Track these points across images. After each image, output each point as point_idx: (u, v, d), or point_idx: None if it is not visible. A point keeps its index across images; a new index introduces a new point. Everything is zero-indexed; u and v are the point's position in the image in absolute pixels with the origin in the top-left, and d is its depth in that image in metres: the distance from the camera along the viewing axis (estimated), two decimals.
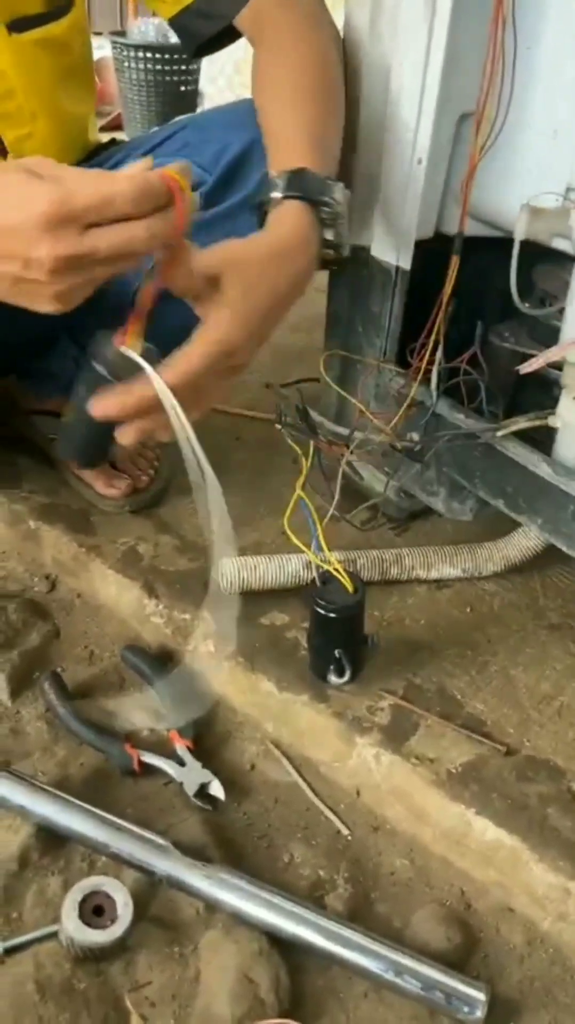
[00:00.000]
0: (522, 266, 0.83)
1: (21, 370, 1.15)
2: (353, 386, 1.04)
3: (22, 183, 0.57)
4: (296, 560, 0.98)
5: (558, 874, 0.73)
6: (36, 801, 0.78)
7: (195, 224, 0.96)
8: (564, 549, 0.87)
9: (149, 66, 2.89)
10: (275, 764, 0.89)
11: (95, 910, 0.71)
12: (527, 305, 0.86)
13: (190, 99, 2.94)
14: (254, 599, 0.98)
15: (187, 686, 0.89)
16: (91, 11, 0.98)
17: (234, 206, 0.94)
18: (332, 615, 0.84)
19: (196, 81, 2.95)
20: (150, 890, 0.75)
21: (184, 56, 2.74)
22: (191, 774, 0.84)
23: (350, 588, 0.84)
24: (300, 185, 0.76)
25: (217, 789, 0.83)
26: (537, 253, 0.86)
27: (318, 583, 0.85)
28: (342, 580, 0.84)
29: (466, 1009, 0.68)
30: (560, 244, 0.84)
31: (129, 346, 0.66)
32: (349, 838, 0.82)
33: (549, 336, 0.89)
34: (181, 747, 0.86)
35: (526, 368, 0.85)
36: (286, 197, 0.75)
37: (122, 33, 3.00)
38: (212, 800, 0.83)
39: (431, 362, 0.93)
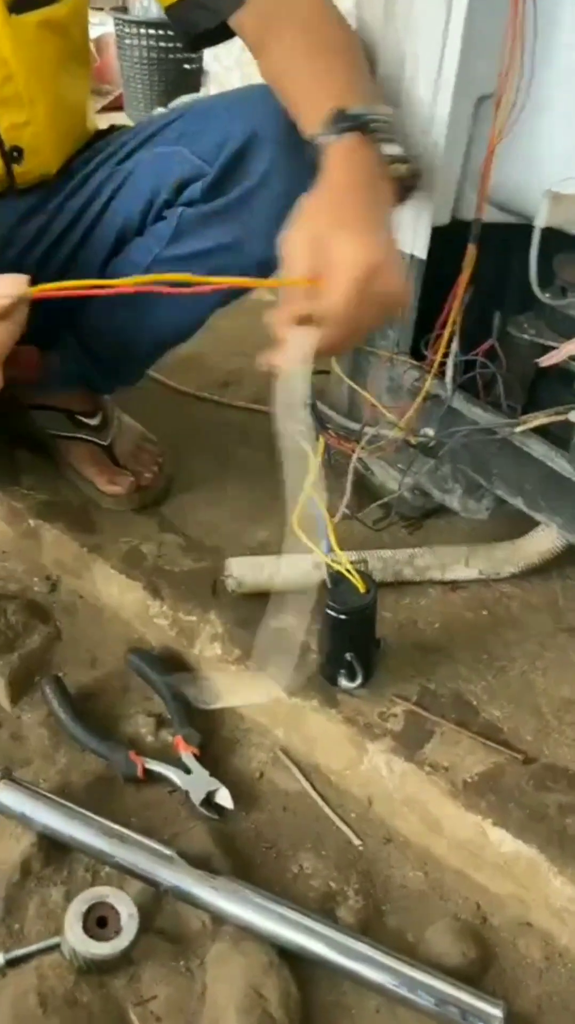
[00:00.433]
0: (543, 254, 0.83)
1: None
2: (365, 379, 1.05)
3: None
4: (306, 560, 0.99)
5: None
6: (38, 809, 0.79)
7: (198, 217, 0.97)
8: None
9: (152, 43, 2.90)
10: (284, 772, 0.89)
11: (99, 921, 0.72)
12: (547, 295, 0.87)
13: (194, 78, 2.94)
14: (262, 601, 0.98)
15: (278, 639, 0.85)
16: None
17: (237, 198, 0.94)
18: (343, 617, 0.85)
19: (200, 59, 2.95)
20: (155, 901, 0.76)
21: None
22: (197, 782, 0.85)
23: (362, 589, 0.85)
24: (338, 120, 0.77)
25: (224, 798, 0.84)
26: (558, 241, 0.87)
27: (328, 584, 0.86)
28: (353, 581, 0.85)
29: None
30: None
31: None
32: (360, 849, 0.83)
33: (570, 327, 0.89)
34: (187, 754, 0.87)
35: (546, 361, 0.85)
36: (329, 134, 0.77)
37: (124, 9, 3.00)
38: (219, 809, 0.84)
39: (446, 354, 0.94)
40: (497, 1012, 0.69)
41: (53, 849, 0.79)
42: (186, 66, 2.95)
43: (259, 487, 1.17)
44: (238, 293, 1.03)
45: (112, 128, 1.11)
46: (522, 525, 1.01)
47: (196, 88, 2.87)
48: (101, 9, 3.21)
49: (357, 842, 0.84)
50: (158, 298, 0.97)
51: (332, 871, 0.80)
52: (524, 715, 0.89)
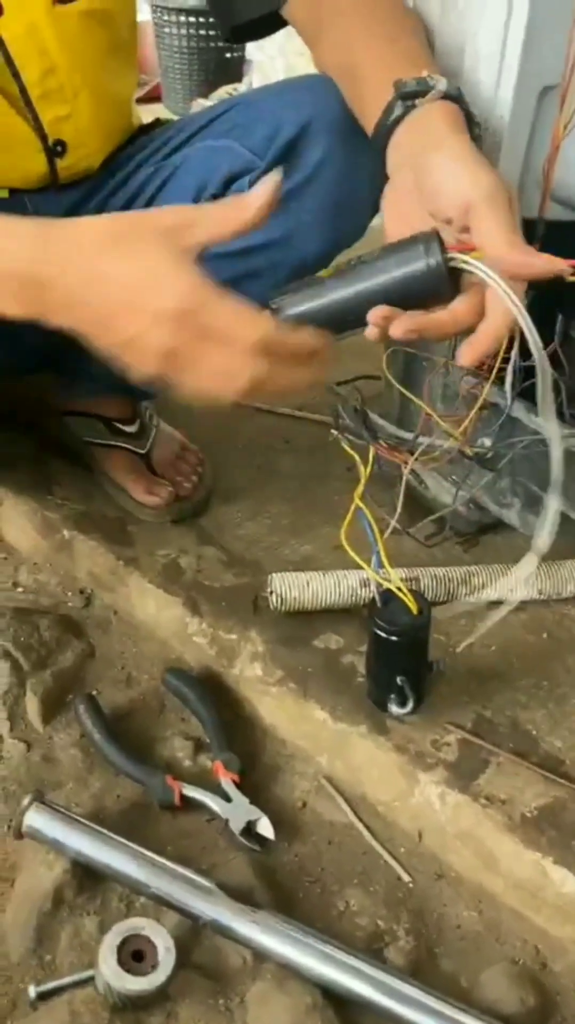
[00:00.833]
0: None
1: (59, 367, 1.18)
2: (418, 386, 1.05)
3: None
4: (353, 577, 0.99)
5: None
6: (71, 835, 0.80)
7: None
8: None
9: (191, 31, 2.94)
10: (329, 802, 0.90)
11: (134, 955, 0.73)
12: None
13: (235, 67, 2.98)
14: (306, 619, 0.99)
15: None
16: None
17: (287, 192, 0.95)
18: (394, 638, 0.85)
19: (243, 48, 2.99)
20: (193, 935, 0.77)
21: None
22: (237, 810, 0.86)
23: (414, 609, 0.85)
24: (422, 86, 0.76)
25: (266, 828, 0.85)
26: None
27: (378, 603, 0.86)
28: (405, 600, 0.85)
29: None
30: None
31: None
32: (411, 885, 0.83)
33: None
34: (226, 781, 0.88)
35: None
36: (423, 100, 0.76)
37: None
38: (260, 839, 0.85)
39: (506, 359, 0.93)
40: None
41: (86, 877, 0.80)
42: (227, 55, 2.99)
43: (302, 498, 1.19)
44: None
45: (157, 122, 1.13)
46: None
47: (238, 78, 2.90)
48: None
49: (407, 878, 0.84)
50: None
51: (380, 908, 0.80)
52: None
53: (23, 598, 1.10)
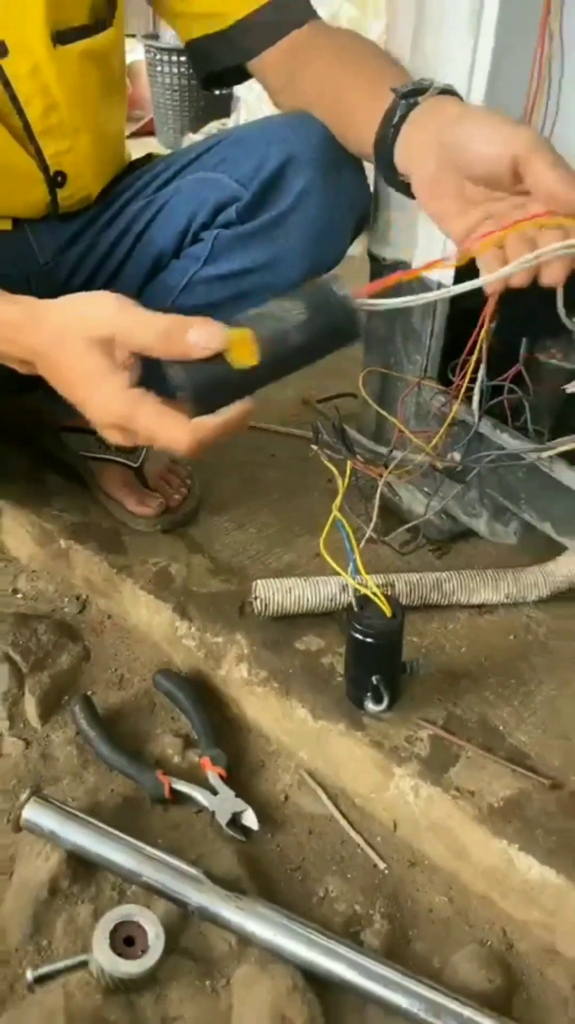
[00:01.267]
0: (570, 280, 0.85)
1: (49, 389, 1.19)
2: (392, 404, 1.07)
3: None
4: (333, 583, 1.00)
5: None
6: (66, 827, 0.81)
7: (234, 238, 0.99)
8: None
9: (183, 70, 2.96)
10: (310, 794, 0.90)
11: (126, 940, 0.73)
12: (574, 321, 0.88)
13: (224, 104, 3.00)
14: (288, 623, 1.00)
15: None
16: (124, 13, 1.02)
17: (272, 219, 0.97)
18: (369, 640, 0.86)
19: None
20: (182, 921, 0.78)
21: None
22: (224, 803, 0.86)
23: (388, 613, 0.86)
24: (419, 87, 0.77)
25: (250, 819, 0.86)
26: None
27: (355, 607, 0.87)
28: (380, 604, 0.86)
29: None
30: None
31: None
32: (386, 873, 0.84)
33: None
34: (213, 775, 0.88)
35: (572, 387, 0.86)
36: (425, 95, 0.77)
37: (155, 36, 3.07)
38: (245, 830, 0.85)
39: (473, 380, 0.95)
40: None
41: (81, 867, 0.80)
42: (216, 92, 3.01)
43: (285, 509, 1.19)
44: None
45: (149, 157, 1.15)
46: (550, 550, 1.02)
47: (226, 113, 2.92)
48: (132, 36, 3.28)
49: (383, 866, 0.84)
50: (203, 315, 0.99)
51: (358, 894, 0.81)
52: (551, 741, 0.89)
53: (22, 604, 1.11)
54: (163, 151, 1.20)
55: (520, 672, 0.97)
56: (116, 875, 0.80)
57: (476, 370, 0.94)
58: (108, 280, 1.07)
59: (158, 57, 2.99)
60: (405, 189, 0.80)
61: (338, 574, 0.87)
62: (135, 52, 3.24)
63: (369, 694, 0.89)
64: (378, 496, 0.97)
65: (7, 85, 0.91)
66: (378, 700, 0.88)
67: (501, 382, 0.96)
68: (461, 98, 0.80)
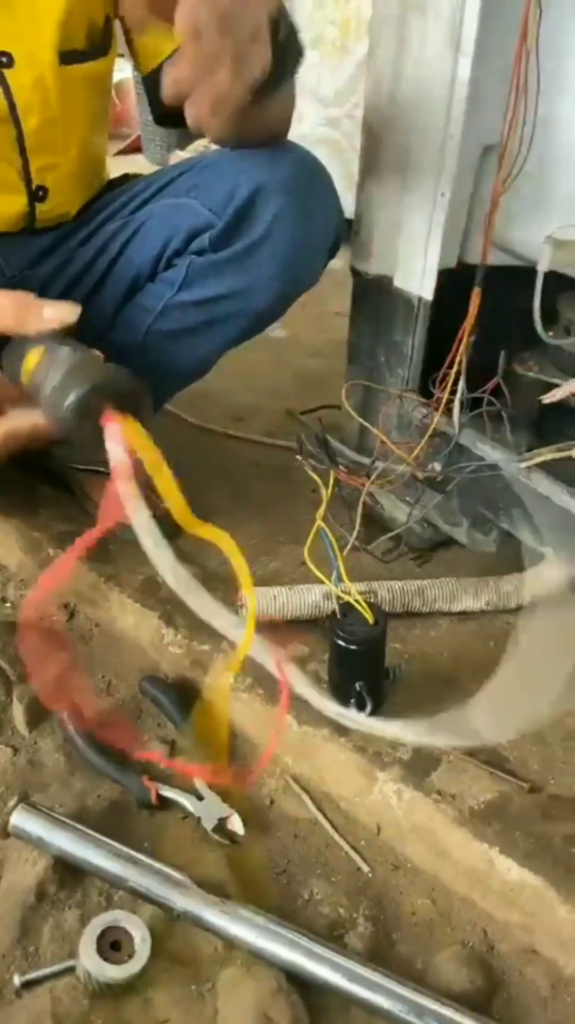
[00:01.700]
0: (547, 295, 0.86)
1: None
2: (375, 415, 1.07)
3: None
4: (317, 591, 1.00)
5: None
6: (53, 833, 0.80)
7: (207, 266, 1.00)
8: None
9: None
10: (294, 799, 0.90)
11: (112, 945, 0.73)
12: (551, 334, 0.89)
13: None
14: (274, 629, 1.00)
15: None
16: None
17: (244, 249, 0.97)
18: (353, 647, 0.86)
19: None
20: (167, 926, 0.77)
21: None
22: (210, 808, 0.86)
23: (371, 620, 0.86)
24: None
25: (236, 824, 0.85)
26: (561, 282, 0.89)
27: (338, 614, 0.87)
28: (363, 612, 0.86)
29: None
30: None
31: None
32: (370, 876, 0.84)
33: (573, 365, 0.91)
34: (199, 781, 0.88)
35: (550, 398, 0.87)
36: None
37: None
38: (231, 835, 0.85)
39: (454, 392, 0.96)
40: None
41: (68, 873, 0.80)
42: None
43: (271, 519, 1.19)
44: (251, 331, 1.06)
45: (126, 177, 1.15)
46: (529, 558, 1.03)
47: None
48: (122, 55, 3.29)
49: (366, 869, 0.84)
50: (179, 339, 0.99)
51: (342, 897, 0.81)
52: (530, 745, 0.90)
53: (11, 612, 1.10)
54: (150, 168, 1.20)
55: None
56: (103, 881, 0.80)
57: (456, 383, 0.95)
58: (86, 297, 1.07)
59: None
60: None
61: (322, 582, 0.87)
62: (124, 71, 3.24)
63: (353, 700, 0.89)
64: (361, 505, 0.97)
65: (8, 94, 0.91)
66: (362, 706, 0.88)
67: (481, 394, 0.96)
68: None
